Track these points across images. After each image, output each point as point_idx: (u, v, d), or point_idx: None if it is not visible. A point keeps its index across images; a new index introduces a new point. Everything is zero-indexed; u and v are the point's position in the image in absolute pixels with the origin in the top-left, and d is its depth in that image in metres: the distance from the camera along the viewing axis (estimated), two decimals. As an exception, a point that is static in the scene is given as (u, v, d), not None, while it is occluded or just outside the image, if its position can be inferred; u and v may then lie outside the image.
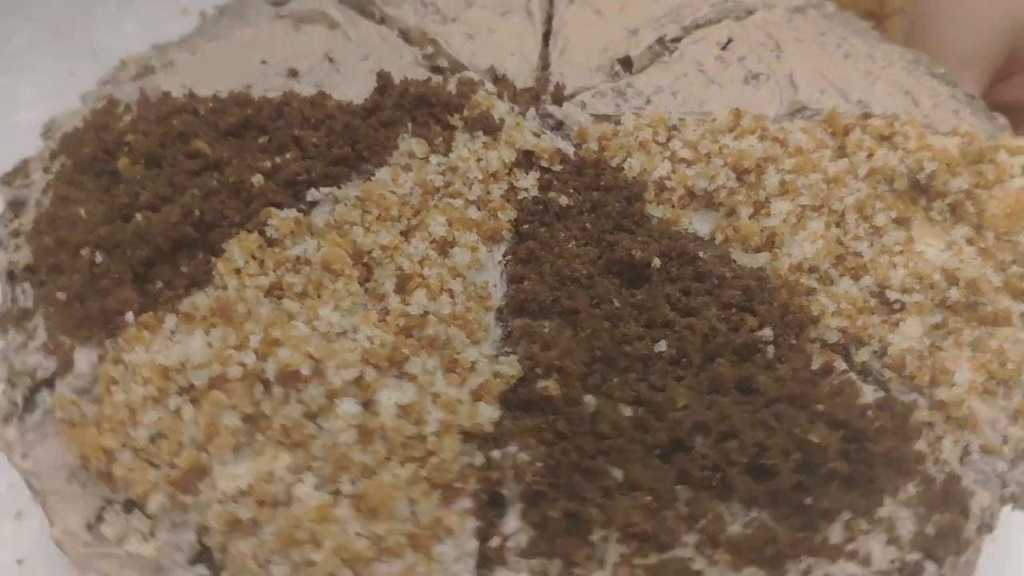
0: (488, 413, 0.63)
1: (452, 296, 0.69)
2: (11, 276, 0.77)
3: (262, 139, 0.79)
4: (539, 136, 0.81)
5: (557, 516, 0.61)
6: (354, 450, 0.62)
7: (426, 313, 0.67)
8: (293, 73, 0.89)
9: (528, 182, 0.76)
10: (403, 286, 0.69)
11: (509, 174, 0.78)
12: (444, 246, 0.71)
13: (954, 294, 0.72)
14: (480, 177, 0.76)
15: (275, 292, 0.69)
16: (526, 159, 0.79)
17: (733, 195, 0.76)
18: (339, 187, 0.76)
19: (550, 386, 0.64)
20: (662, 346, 0.66)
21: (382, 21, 0.97)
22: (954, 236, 0.76)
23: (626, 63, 0.91)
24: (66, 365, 0.70)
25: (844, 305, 0.70)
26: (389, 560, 0.60)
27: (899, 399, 0.68)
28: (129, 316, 0.69)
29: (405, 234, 0.72)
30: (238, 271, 0.70)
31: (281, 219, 0.71)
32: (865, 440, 0.64)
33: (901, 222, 0.76)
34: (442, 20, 0.95)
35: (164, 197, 0.73)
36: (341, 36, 0.94)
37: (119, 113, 0.84)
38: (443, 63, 0.91)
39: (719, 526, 0.62)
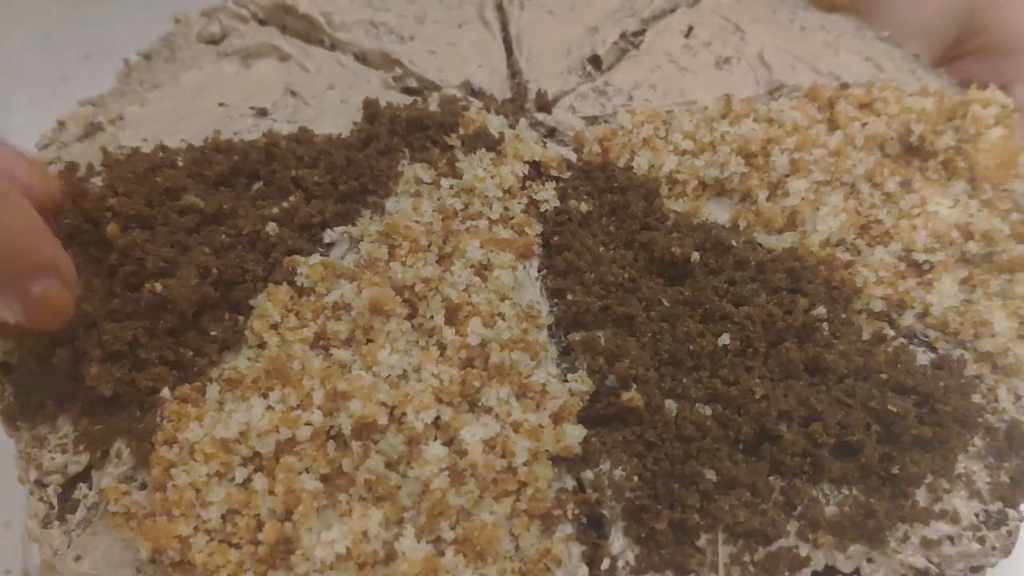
0: (576, 434, 0.62)
1: (504, 319, 0.67)
2: (4, 368, 0.71)
3: (257, 185, 0.75)
4: (544, 146, 0.79)
5: (663, 527, 0.60)
6: (449, 493, 0.59)
7: (484, 341, 0.65)
8: (262, 112, 0.85)
9: (548, 193, 0.75)
10: (453, 317, 0.66)
11: (524, 188, 0.76)
12: (482, 270, 0.69)
13: (972, 247, 0.74)
14: (499, 195, 0.74)
15: (320, 343, 0.66)
16: (534, 170, 0.77)
17: (746, 180, 0.77)
18: (353, 224, 0.73)
19: (634, 397, 0.62)
20: (726, 339, 0.66)
21: (334, 47, 0.94)
22: (955, 192, 0.78)
23: (595, 61, 0.91)
24: (102, 455, 0.64)
25: (883, 273, 0.71)
26: (506, 602, 0.58)
27: (950, 356, 0.70)
28: (165, 392, 0.64)
29: (440, 263, 0.69)
30: (275, 327, 0.66)
31: (311, 266, 0.68)
32: (935, 401, 0.66)
33: (905, 185, 0.78)
34: (399, 40, 0.92)
35: (170, 260, 0.68)
36: (297, 68, 0.90)
37: (84, 176, 0.78)
38: (412, 83, 0.89)
39: (817, 510, 0.62)
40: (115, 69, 0.93)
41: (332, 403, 0.61)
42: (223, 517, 0.60)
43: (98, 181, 0.76)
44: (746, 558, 0.61)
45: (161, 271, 0.68)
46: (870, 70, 0.90)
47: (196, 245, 0.69)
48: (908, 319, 0.71)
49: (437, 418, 0.61)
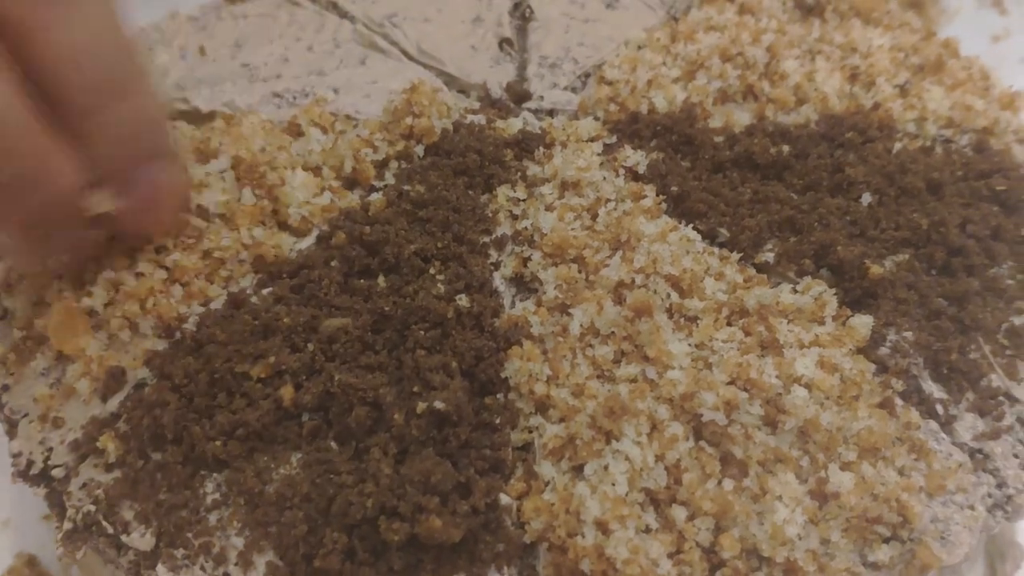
0: (864, 321, 0.66)
1: (714, 267, 0.69)
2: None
3: (389, 278, 0.68)
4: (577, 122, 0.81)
5: (955, 357, 0.67)
6: (823, 418, 0.61)
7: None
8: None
9: (636, 157, 0.77)
10: (679, 287, 0.67)
11: (612, 161, 0.77)
12: (659, 240, 0.70)
13: (915, 60, 0.88)
14: (604, 176, 0.75)
15: (604, 374, 0.64)
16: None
17: (743, 81, 0.83)
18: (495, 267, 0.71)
19: (873, 270, 0.68)
20: (867, 198, 0.74)
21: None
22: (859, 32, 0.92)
23: (508, 43, 0.91)
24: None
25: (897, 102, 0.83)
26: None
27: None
28: (505, 500, 0.59)
29: (621, 250, 0.69)
30: (548, 380, 0.63)
31: (537, 308, 0.65)
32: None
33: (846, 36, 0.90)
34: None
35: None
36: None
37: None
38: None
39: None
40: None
41: (678, 410, 0.61)
42: (671, 558, 0.57)
43: None
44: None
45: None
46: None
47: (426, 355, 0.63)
48: (931, 128, 0.83)
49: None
